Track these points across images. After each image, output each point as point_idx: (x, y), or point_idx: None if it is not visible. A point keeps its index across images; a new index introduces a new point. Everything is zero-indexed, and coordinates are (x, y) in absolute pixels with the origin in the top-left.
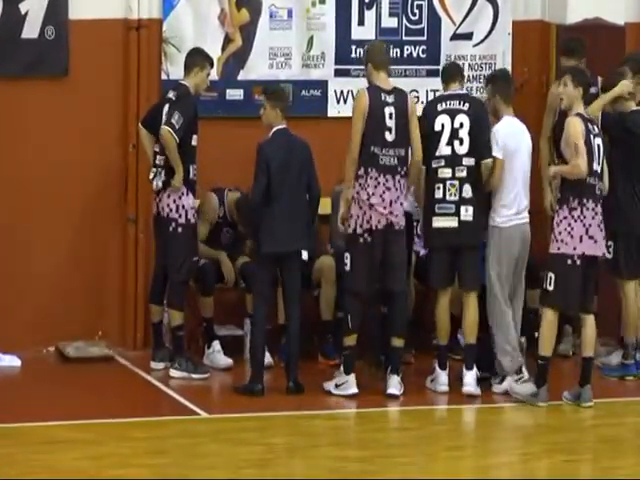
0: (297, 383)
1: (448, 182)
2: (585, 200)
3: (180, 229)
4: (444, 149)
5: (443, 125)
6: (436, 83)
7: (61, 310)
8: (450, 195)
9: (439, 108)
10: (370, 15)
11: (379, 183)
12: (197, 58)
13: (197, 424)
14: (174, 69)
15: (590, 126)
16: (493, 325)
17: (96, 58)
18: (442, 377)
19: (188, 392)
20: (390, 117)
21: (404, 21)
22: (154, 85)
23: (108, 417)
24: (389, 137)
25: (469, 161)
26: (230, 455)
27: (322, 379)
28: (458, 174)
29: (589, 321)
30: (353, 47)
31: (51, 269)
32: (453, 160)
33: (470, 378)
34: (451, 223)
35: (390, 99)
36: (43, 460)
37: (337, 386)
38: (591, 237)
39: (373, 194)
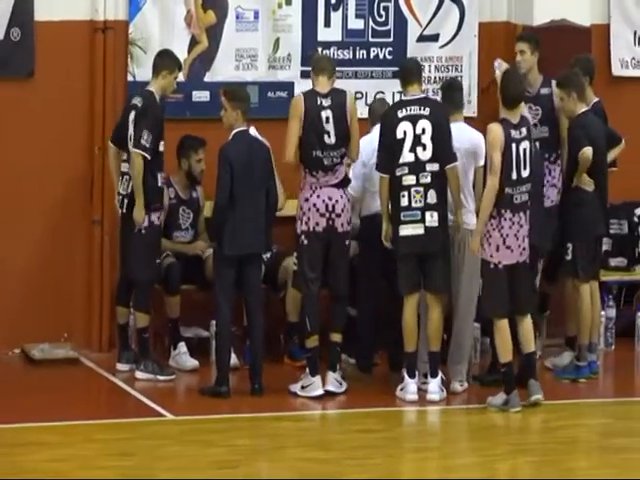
0: (261, 385)
1: (413, 189)
2: (503, 210)
3: (144, 231)
4: (407, 156)
5: (405, 132)
6: None
7: (26, 312)
8: (415, 202)
9: (400, 115)
10: (336, 17)
11: (328, 180)
12: (166, 61)
13: (163, 426)
14: (140, 71)
15: (514, 132)
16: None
17: (62, 60)
18: (411, 386)
19: (154, 394)
20: (327, 121)
21: (370, 23)
22: (120, 87)
23: (74, 419)
24: (329, 140)
25: (433, 167)
26: (196, 457)
27: (288, 381)
28: (422, 180)
29: (524, 321)
30: (319, 49)
31: (16, 271)
32: (416, 167)
33: (435, 386)
34: (418, 230)
35: (326, 102)
36: (9, 462)
37: (303, 388)
38: (508, 247)
39: (319, 195)
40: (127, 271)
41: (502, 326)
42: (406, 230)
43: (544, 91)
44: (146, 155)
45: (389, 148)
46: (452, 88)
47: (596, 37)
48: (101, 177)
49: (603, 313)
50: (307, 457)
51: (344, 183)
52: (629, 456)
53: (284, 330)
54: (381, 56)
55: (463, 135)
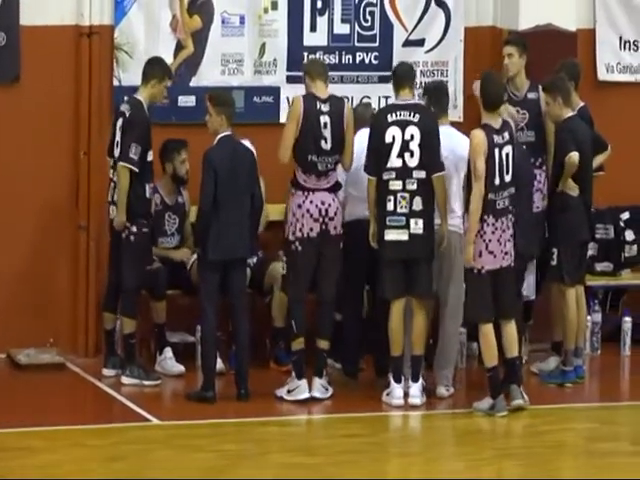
0: (247, 390)
1: (399, 194)
2: (485, 216)
3: (132, 237)
4: (395, 161)
5: (394, 137)
6: (388, 90)
7: (12, 317)
8: (401, 207)
9: (389, 119)
10: (322, 21)
11: (321, 181)
12: (157, 70)
13: (149, 431)
14: (126, 75)
15: (497, 137)
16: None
17: (48, 64)
18: (397, 391)
19: (140, 399)
20: (325, 126)
21: (356, 27)
22: (106, 92)
23: (60, 424)
24: (325, 146)
25: (420, 174)
26: (182, 462)
27: (274, 385)
28: (409, 187)
29: (508, 326)
30: (305, 53)
31: (1, 276)
32: (403, 173)
33: (416, 390)
34: (402, 236)
35: (325, 108)
36: None
37: (289, 392)
38: (491, 252)
39: (311, 201)
40: (115, 277)
41: (487, 331)
42: (391, 235)
43: (531, 95)
44: (133, 168)
45: (377, 151)
46: (439, 91)
47: (582, 42)
48: (87, 182)
49: (589, 318)
50: (293, 462)
51: (335, 187)
52: (615, 460)
53: (270, 335)
54: (367, 61)
55: (453, 139)
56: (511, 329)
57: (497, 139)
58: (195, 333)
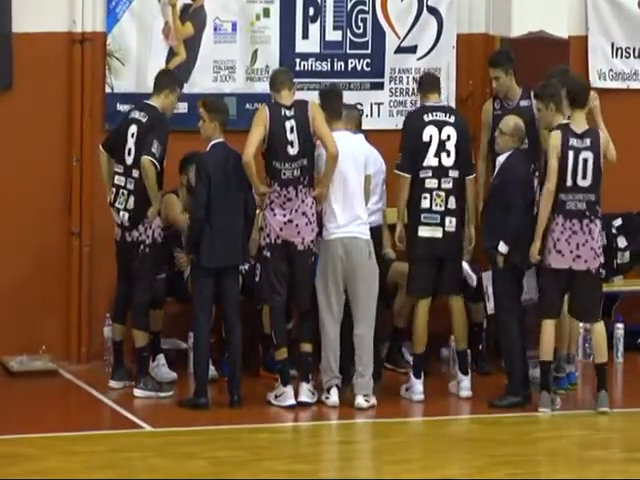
0: (240, 397)
1: (434, 192)
2: (556, 215)
3: (147, 249)
4: (432, 160)
5: (431, 136)
6: (380, 96)
7: (4, 324)
8: (436, 205)
9: (426, 119)
10: (314, 28)
11: (280, 196)
12: (169, 80)
13: (142, 438)
14: (118, 82)
15: (575, 140)
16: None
17: (40, 71)
18: (417, 386)
19: (132, 406)
20: (291, 130)
21: (348, 34)
22: (98, 98)
23: (52, 431)
24: (291, 151)
25: (454, 173)
26: (175, 469)
27: (266, 392)
28: (444, 185)
29: (594, 329)
30: (297, 60)
31: None
32: (440, 171)
33: (467, 382)
34: (436, 233)
35: (290, 113)
36: None
37: (276, 397)
38: (559, 251)
39: (274, 209)
40: (126, 289)
41: (546, 326)
42: (424, 232)
43: (524, 103)
44: (155, 162)
45: (414, 149)
46: (335, 95)
47: (574, 49)
48: (79, 189)
49: (581, 325)
50: (286, 469)
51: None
52: (607, 467)
53: (261, 341)
54: (359, 68)
55: (351, 143)
56: (597, 333)
57: (574, 142)
58: (187, 340)
